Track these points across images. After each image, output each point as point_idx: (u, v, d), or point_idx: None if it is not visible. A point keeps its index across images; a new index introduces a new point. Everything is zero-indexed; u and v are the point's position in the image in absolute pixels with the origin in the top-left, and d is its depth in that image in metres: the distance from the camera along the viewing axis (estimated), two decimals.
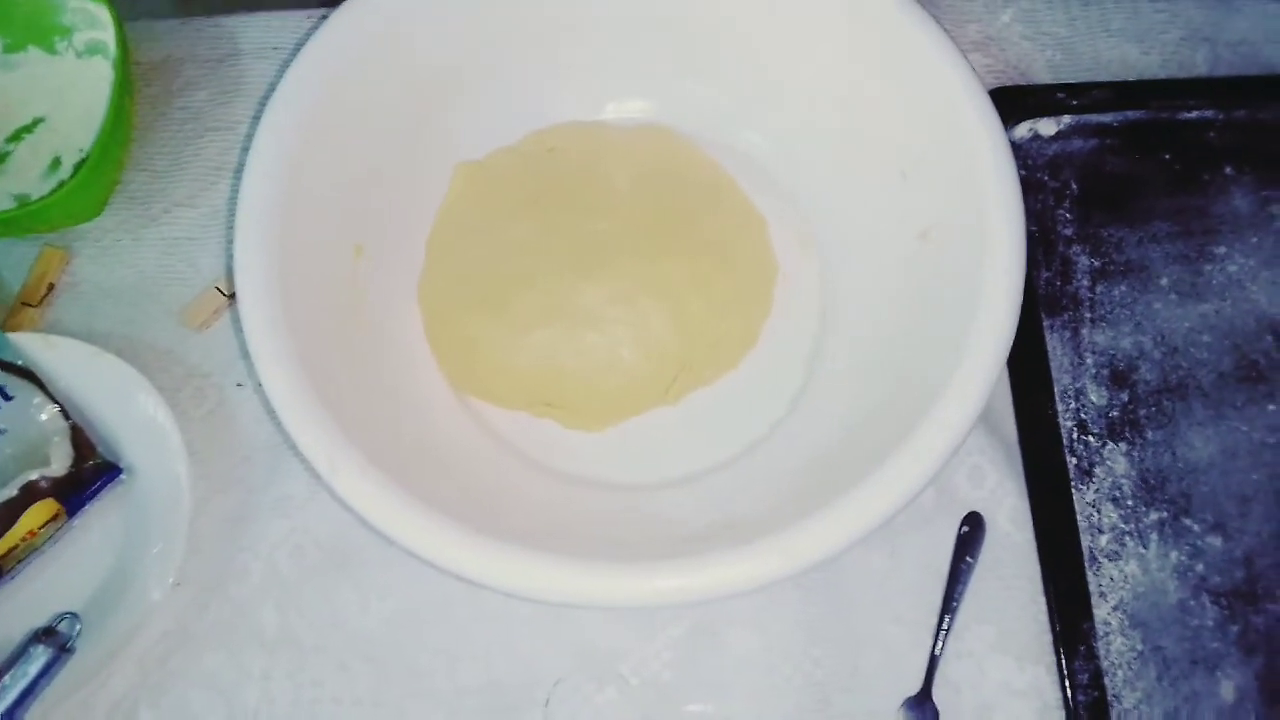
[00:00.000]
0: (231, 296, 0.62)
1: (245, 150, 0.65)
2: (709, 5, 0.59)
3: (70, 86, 0.66)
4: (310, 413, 0.46)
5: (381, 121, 0.58)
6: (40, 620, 0.53)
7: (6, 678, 0.49)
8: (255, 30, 0.69)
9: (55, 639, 0.51)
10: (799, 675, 0.54)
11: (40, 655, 0.50)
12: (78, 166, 0.65)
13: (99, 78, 0.65)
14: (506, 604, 0.55)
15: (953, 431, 0.45)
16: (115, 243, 0.64)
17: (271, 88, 0.65)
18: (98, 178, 0.61)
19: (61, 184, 0.63)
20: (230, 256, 0.62)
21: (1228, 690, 0.53)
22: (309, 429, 0.46)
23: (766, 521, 0.46)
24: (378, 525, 0.45)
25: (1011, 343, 0.47)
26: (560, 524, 0.52)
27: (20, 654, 0.50)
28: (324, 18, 0.67)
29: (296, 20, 0.69)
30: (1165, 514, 0.56)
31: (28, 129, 0.66)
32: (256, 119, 0.66)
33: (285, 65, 0.66)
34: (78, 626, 0.52)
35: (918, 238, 0.53)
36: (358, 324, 0.56)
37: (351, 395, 0.50)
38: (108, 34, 0.63)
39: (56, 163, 0.65)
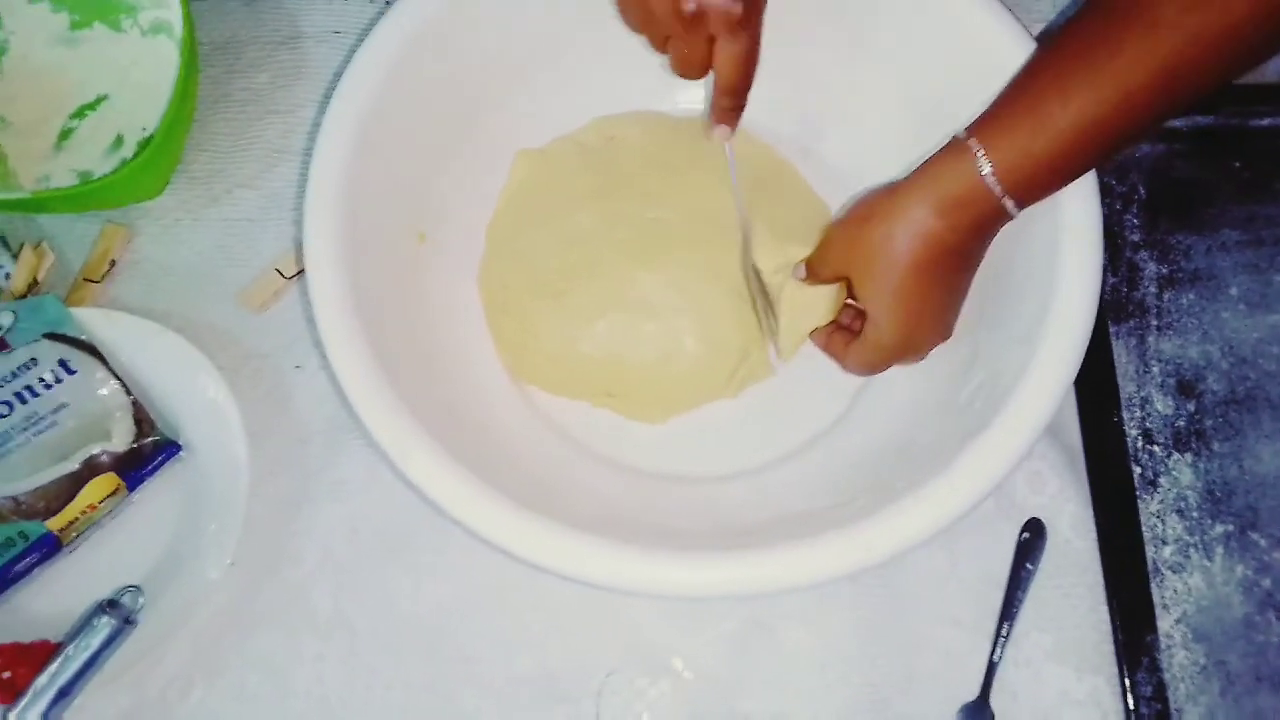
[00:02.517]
0: (290, 278, 0.62)
1: (307, 133, 0.66)
2: (778, 6, 0.58)
3: (134, 65, 0.66)
4: (381, 397, 0.46)
5: (445, 108, 0.58)
6: (99, 594, 0.54)
7: (70, 648, 0.50)
8: (318, 14, 0.69)
9: (119, 611, 0.52)
10: (855, 675, 0.54)
11: (104, 626, 0.50)
12: (140, 145, 0.65)
13: (163, 57, 0.65)
14: (560, 593, 0.55)
15: (1030, 427, 0.45)
16: (176, 222, 0.64)
17: (335, 73, 0.66)
18: (161, 157, 0.61)
19: (124, 162, 0.63)
20: (291, 239, 0.63)
21: None
22: (380, 413, 0.46)
23: (830, 515, 0.46)
24: (448, 510, 0.45)
25: (1089, 335, 0.47)
26: (620, 514, 0.52)
27: (84, 625, 0.50)
28: (388, 2, 0.68)
29: (359, 5, 0.69)
30: (1231, 527, 0.56)
31: (91, 106, 0.66)
32: (318, 103, 0.67)
33: (348, 50, 0.67)
34: (141, 599, 0.53)
35: None
36: (419, 310, 0.56)
37: (416, 380, 0.50)
38: (173, 13, 0.63)
39: (119, 140, 0.65)
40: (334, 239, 0.50)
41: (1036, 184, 0.46)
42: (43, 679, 0.49)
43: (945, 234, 0.46)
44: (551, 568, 0.44)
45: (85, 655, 0.50)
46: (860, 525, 0.45)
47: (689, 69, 0.48)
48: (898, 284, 0.47)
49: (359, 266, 0.51)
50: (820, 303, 0.54)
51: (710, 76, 0.49)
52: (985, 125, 0.46)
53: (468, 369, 0.57)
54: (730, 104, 0.50)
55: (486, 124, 0.60)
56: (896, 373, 0.56)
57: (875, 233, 0.48)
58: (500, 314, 0.59)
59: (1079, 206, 0.49)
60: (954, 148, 0.46)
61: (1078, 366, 0.47)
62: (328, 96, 0.54)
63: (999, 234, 0.52)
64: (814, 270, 0.53)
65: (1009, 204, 0.46)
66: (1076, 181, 0.49)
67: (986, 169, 0.45)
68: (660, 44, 0.48)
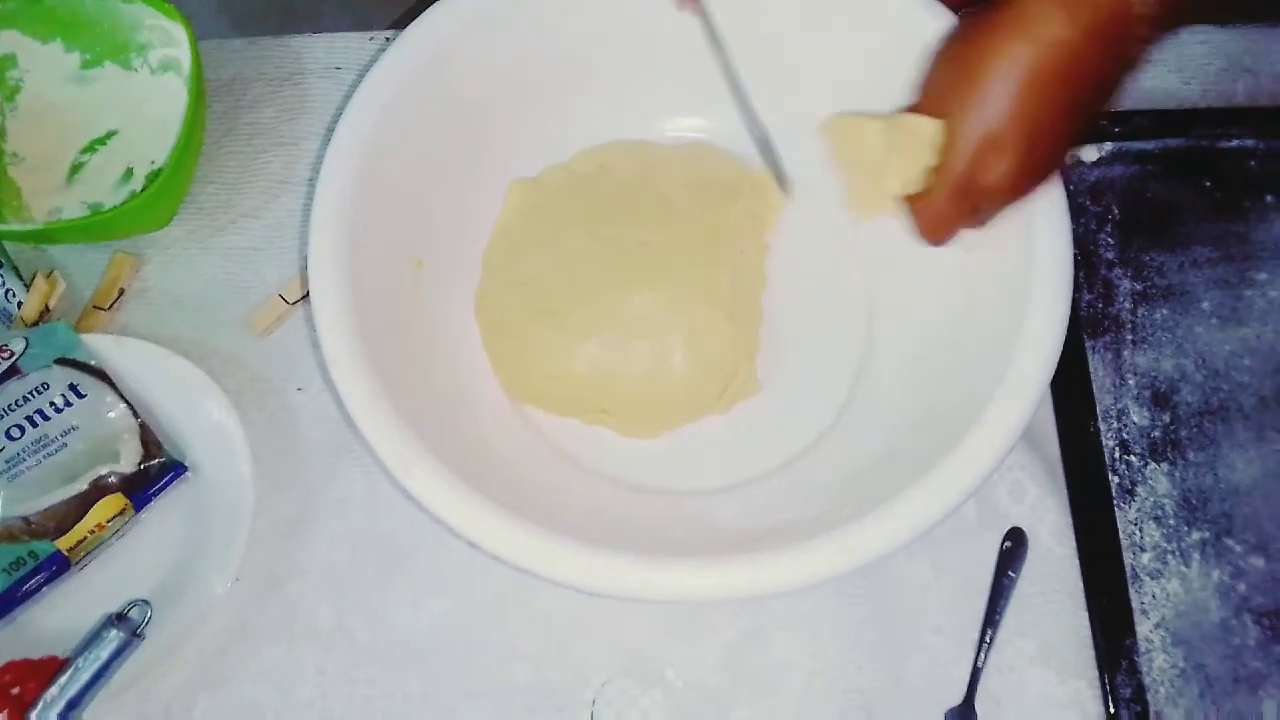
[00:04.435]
0: (293, 304, 0.64)
1: (310, 165, 0.68)
2: (754, 25, 0.60)
3: (144, 101, 0.69)
4: (383, 415, 0.48)
5: (441, 141, 0.60)
6: (106, 611, 0.55)
7: (80, 660, 0.51)
8: (319, 51, 0.72)
9: (127, 624, 0.53)
10: (843, 682, 0.55)
11: (113, 639, 0.52)
12: (149, 177, 0.67)
13: (171, 93, 0.68)
14: (555, 605, 0.57)
15: (1005, 435, 0.47)
16: (183, 251, 0.67)
17: (337, 107, 0.69)
18: (169, 189, 0.63)
19: (133, 194, 0.66)
20: (294, 266, 0.66)
21: (1270, 710, 0.54)
22: (382, 430, 0.48)
23: (817, 523, 0.47)
24: (448, 521, 0.47)
25: (1061, 345, 0.49)
26: (614, 524, 0.54)
27: (94, 638, 0.52)
28: (387, 40, 0.71)
29: (359, 41, 0.72)
30: (1207, 534, 0.57)
31: (102, 141, 0.69)
32: (320, 136, 0.69)
33: (349, 85, 0.70)
34: (149, 613, 0.54)
35: (962, 250, 0.54)
36: (419, 335, 0.57)
37: (416, 401, 0.52)
38: (182, 51, 0.66)
39: (129, 173, 0.68)
40: (337, 266, 0.52)
41: None
42: (53, 690, 0.50)
43: (1072, 37, 0.40)
44: (548, 575, 0.46)
45: (94, 667, 0.51)
46: (845, 530, 0.46)
47: None
48: (1015, 95, 0.40)
49: (360, 292, 0.53)
50: (928, 134, 0.47)
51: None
52: None
53: (466, 389, 0.59)
54: None
55: (481, 155, 0.62)
56: (881, 390, 0.58)
57: (988, 43, 0.41)
58: (497, 336, 0.60)
59: (1050, 224, 0.51)
60: None
61: (1050, 375, 0.48)
62: (329, 129, 0.56)
63: (975, 257, 0.54)
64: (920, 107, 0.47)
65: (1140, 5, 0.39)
66: (1048, 200, 0.51)
67: None
68: None
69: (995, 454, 0.46)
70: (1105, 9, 0.40)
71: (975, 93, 0.42)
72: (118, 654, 0.52)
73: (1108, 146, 0.65)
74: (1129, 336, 0.61)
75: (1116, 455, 0.59)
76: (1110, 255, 0.63)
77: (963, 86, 0.43)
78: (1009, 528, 0.57)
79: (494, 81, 0.61)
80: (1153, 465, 0.59)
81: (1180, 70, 0.68)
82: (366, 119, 0.55)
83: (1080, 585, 0.56)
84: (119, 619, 0.53)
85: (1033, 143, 0.42)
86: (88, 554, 0.57)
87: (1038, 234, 0.51)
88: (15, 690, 0.52)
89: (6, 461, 0.56)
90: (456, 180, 0.62)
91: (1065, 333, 0.49)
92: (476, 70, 0.60)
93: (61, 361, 0.59)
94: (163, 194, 0.63)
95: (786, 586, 0.45)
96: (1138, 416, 0.60)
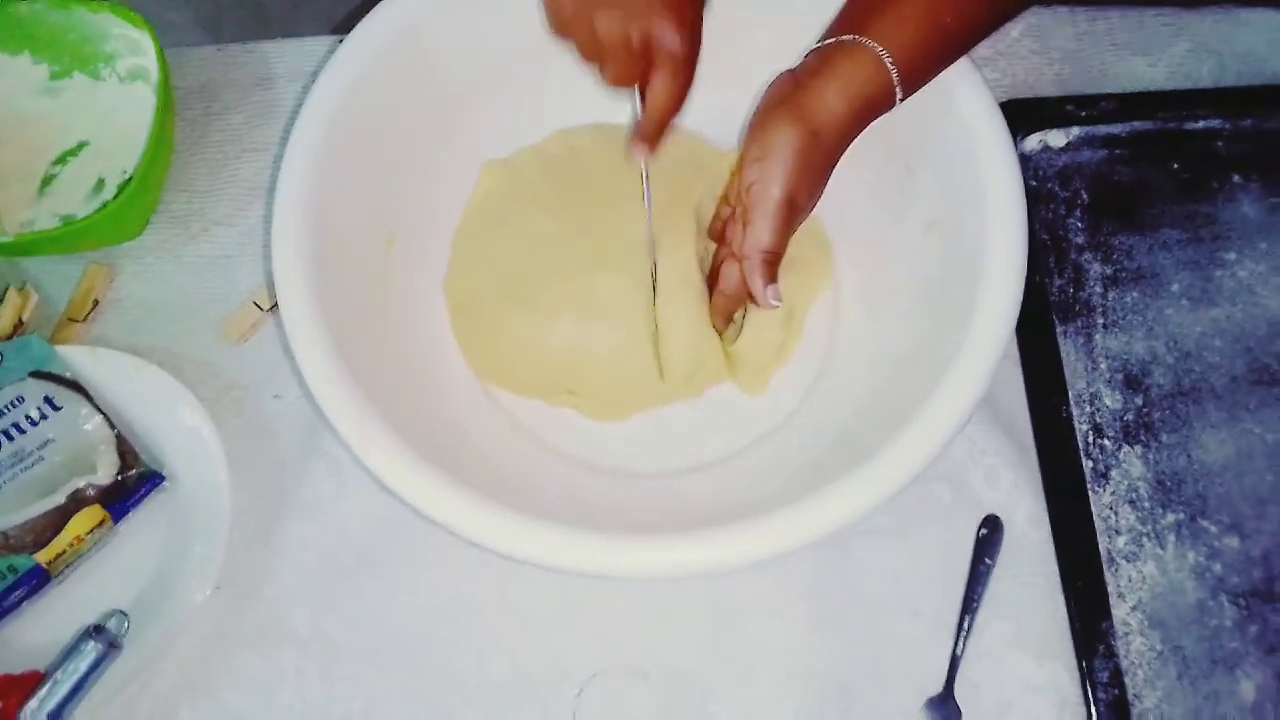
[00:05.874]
0: (267, 311, 0.64)
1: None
2: (723, 12, 0.60)
3: (113, 111, 0.69)
4: (345, 393, 0.49)
5: (410, 122, 0.60)
6: (87, 623, 0.55)
7: (59, 673, 0.51)
8: (289, 55, 0.72)
9: (105, 635, 0.53)
10: (823, 667, 0.55)
11: (90, 651, 0.52)
12: (121, 187, 0.67)
13: (140, 102, 0.68)
14: (533, 600, 0.57)
15: (957, 412, 0.47)
16: (156, 260, 0.67)
17: None
18: (140, 198, 0.63)
19: (105, 204, 0.66)
20: (268, 270, 0.65)
21: (1248, 689, 0.54)
22: (343, 408, 0.49)
23: (781, 499, 0.48)
24: (408, 499, 0.47)
25: (1016, 319, 0.49)
26: (584, 507, 0.54)
27: (71, 650, 0.52)
28: None
29: (329, 45, 0.71)
30: (1182, 515, 0.57)
31: (72, 152, 0.69)
32: None
33: None
34: (126, 624, 0.54)
35: (924, 229, 0.54)
36: (387, 315, 0.58)
37: (383, 382, 0.52)
38: (149, 60, 0.66)
39: (100, 184, 0.68)
40: (302, 245, 0.52)
41: (918, 68, 0.49)
42: (32, 704, 0.50)
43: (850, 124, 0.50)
44: (511, 553, 0.47)
45: (73, 680, 0.51)
46: (806, 504, 0.47)
47: (622, 83, 0.51)
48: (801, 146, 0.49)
49: (328, 271, 0.53)
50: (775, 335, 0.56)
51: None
52: (871, 25, 0.49)
53: (434, 370, 0.59)
54: (656, 132, 0.52)
55: (452, 136, 0.62)
56: (846, 371, 0.58)
57: (798, 126, 0.49)
58: (466, 317, 0.61)
59: (1005, 202, 0.51)
60: (851, 49, 0.49)
61: (1001, 353, 0.49)
62: None
63: (934, 238, 0.54)
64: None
65: (899, 94, 0.49)
66: (1005, 180, 0.51)
67: (889, 61, 0.48)
68: (594, 58, 0.51)
69: (948, 428, 0.47)
70: (876, 100, 0.49)
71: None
72: (96, 665, 0.52)
73: (1075, 131, 0.65)
74: (1100, 320, 0.62)
75: (1090, 439, 0.59)
76: (1080, 240, 0.64)
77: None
78: (985, 515, 0.58)
79: (465, 62, 0.61)
80: (1126, 448, 0.59)
81: (1146, 53, 0.69)
82: (332, 99, 0.55)
83: (1056, 570, 0.56)
84: (96, 631, 0.53)
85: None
86: (67, 566, 0.57)
87: (992, 215, 0.51)
88: None
89: None
90: (427, 160, 0.62)
91: (1018, 307, 0.49)
92: (446, 51, 0.59)
93: (36, 374, 0.59)
94: (133, 203, 0.63)
95: (749, 559, 0.46)
96: (1110, 400, 0.60)
